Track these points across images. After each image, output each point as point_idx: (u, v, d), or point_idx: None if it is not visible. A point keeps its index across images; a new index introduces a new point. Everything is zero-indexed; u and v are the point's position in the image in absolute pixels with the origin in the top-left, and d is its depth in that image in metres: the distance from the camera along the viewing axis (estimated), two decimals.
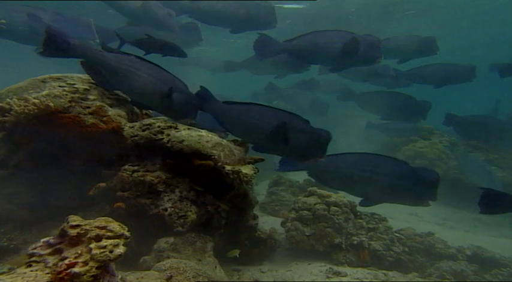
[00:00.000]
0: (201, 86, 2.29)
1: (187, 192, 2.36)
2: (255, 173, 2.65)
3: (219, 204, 2.58)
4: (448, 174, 6.30)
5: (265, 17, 4.33)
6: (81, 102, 2.16)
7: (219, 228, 2.65)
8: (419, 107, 5.52)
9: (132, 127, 2.37)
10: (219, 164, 2.37)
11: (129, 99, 2.54)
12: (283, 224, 3.40)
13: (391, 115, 5.87)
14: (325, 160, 2.28)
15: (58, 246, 1.07)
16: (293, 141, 2.16)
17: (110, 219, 1.20)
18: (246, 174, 2.50)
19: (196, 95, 2.27)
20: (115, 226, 1.15)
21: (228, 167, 2.41)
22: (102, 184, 2.16)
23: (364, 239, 2.73)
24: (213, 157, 2.33)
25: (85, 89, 2.20)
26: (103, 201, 2.18)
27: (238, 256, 2.62)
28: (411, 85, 6.03)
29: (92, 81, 2.27)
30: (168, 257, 1.91)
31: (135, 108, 2.59)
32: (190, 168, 2.35)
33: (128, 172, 2.23)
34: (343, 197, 3.17)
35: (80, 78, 2.26)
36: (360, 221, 2.95)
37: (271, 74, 5.72)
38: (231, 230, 2.89)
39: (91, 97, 2.20)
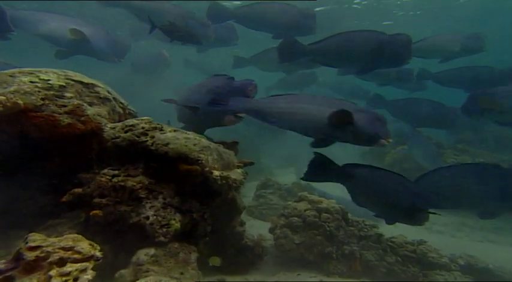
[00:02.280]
0: (315, 153, 2.33)
1: (172, 198, 2.20)
2: (244, 178, 2.52)
3: (205, 211, 2.44)
4: None
5: (307, 23, 4.46)
6: (56, 100, 1.97)
7: (205, 236, 2.51)
8: (450, 114, 5.40)
9: (114, 128, 2.19)
10: (207, 169, 2.23)
11: (111, 97, 2.37)
12: (271, 230, 3.27)
13: (423, 123, 5.73)
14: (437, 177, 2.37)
15: (9, 274, 0.90)
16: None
17: (80, 236, 1.05)
18: (235, 180, 2.37)
19: (312, 162, 2.38)
20: (84, 246, 1.00)
21: (216, 173, 2.27)
22: (78, 190, 1.98)
23: (355, 248, 2.63)
24: (200, 162, 2.18)
25: (61, 86, 2.01)
26: (78, 208, 2.00)
27: (218, 265, 2.48)
28: (425, 88, 5.95)
29: (70, 77, 2.08)
30: (148, 271, 1.76)
31: (117, 106, 2.41)
32: (176, 173, 2.19)
33: (107, 177, 2.06)
34: (334, 202, 3.07)
35: (55, 74, 2.07)
36: (352, 228, 2.85)
37: (280, 71, 5.65)
38: (217, 237, 2.76)
39: (68, 95, 2.01)
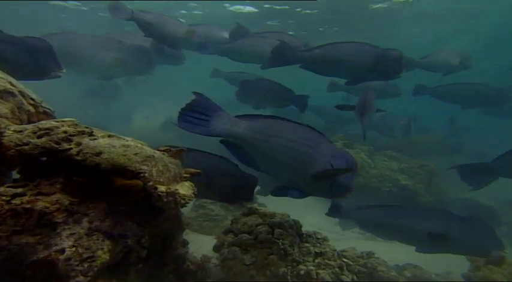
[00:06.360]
0: None
1: (101, 221, 1.72)
2: (194, 193, 2.14)
3: (143, 235, 2.00)
4: (370, 183, 6.67)
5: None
6: None
7: (138, 263, 2.06)
8: (497, 93, 5.73)
9: (21, 132, 1.63)
10: (150, 183, 1.80)
11: (16, 91, 1.78)
12: (217, 248, 2.93)
13: (473, 104, 6.04)
14: None
15: None
16: None
17: None
18: (184, 195, 1.98)
19: None
20: None
21: (161, 188, 1.85)
22: None
23: (311, 267, 2.47)
24: (142, 175, 1.75)
25: None
26: None
27: None
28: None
29: None
30: None
31: (25, 103, 1.83)
32: (109, 189, 1.72)
33: (4, 197, 1.49)
34: (287, 216, 2.88)
35: None
36: (307, 244, 2.68)
37: (255, 63, 5.50)
38: (154, 263, 2.32)
39: None
